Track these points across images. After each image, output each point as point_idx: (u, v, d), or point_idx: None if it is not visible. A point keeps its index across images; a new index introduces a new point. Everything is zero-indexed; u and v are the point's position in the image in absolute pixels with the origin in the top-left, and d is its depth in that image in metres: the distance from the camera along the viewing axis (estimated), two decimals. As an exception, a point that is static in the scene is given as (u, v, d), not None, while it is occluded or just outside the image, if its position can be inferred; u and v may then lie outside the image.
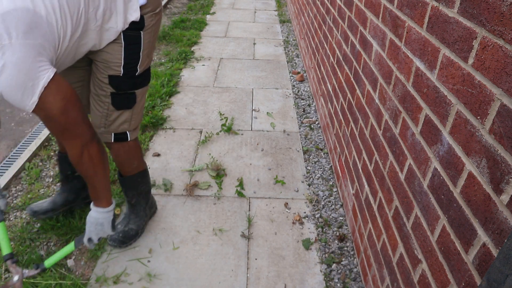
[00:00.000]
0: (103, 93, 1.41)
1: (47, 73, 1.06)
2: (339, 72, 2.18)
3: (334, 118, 2.26)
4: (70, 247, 1.47)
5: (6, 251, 1.41)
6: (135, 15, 1.30)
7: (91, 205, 1.42)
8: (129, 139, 1.54)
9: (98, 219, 1.40)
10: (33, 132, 2.55)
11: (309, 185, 2.18)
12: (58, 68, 1.20)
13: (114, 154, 1.59)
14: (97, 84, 1.40)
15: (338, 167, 2.13)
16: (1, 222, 1.45)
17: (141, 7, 1.31)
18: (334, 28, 2.33)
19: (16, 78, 1.01)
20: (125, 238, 1.72)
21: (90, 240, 1.43)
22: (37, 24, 1.02)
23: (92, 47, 1.29)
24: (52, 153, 2.34)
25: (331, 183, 2.20)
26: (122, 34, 1.31)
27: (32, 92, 1.05)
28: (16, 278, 1.37)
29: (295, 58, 3.94)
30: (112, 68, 1.35)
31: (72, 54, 1.24)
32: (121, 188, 1.73)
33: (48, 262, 1.45)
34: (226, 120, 2.72)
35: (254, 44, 4.30)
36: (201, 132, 2.63)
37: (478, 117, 0.83)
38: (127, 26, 1.30)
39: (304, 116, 2.90)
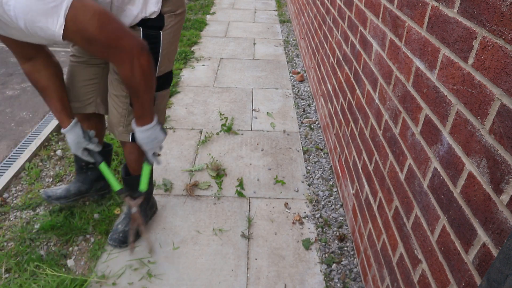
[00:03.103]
0: (122, 93, 1.40)
1: None
2: (339, 72, 2.18)
3: (334, 118, 2.26)
4: (147, 167, 1.58)
5: (117, 187, 1.59)
6: (156, 6, 1.28)
7: (134, 126, 1.39)
8: None
9: (150, 136, 1.39)
10: (33, 132, 2.55)
11: (309, 185, 2.18)
12: None
13: (127, 152, 1.59)
14: (116, 84, 1.39)
15: (338, 167, 2.13)
16: (102, 162, 1.56)
17: (162, 5, 1.31)
18: (334, 28, 2.33)
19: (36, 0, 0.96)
20: (125, 238, 1.72)
21: (154, 153, 1.50)
22: None
23: None
24: (52, 153, 2.34)
25: (331, 183, 2.20)
26: (141, 32, 1.31)
27: (57, 14, 0.98)
28: (134, 209, 1.64)
29: (295, 58, 3.94)
30: None
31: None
32: (125, 188, 1.72)
33: (142, 187, 1.62)
34: (226, 120, 2.72)
35: (254, 44, 4.30)
36: (201, 132, 2.63)
37: (478, 117, 0.83)
38: (144, 15, 1.28)
39: (304, 116, 2.90)
